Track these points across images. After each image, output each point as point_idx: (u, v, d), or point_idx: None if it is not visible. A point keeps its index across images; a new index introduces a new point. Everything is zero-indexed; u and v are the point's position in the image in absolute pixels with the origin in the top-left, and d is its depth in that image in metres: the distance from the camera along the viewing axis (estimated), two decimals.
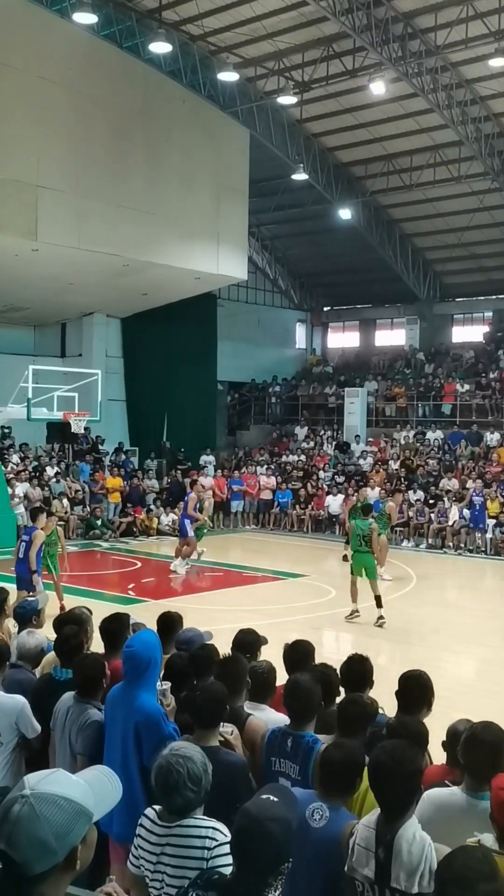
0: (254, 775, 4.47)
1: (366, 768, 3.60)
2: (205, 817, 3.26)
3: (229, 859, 3.12)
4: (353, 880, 3.35)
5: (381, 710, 4.72)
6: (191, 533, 18.32)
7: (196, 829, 3.22)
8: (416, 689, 4.71)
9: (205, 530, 19.43)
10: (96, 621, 6.00)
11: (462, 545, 22.34)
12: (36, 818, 1.99)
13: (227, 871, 3.03)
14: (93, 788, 2.14)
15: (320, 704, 4.57)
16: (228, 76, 22.84)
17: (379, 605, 13.79)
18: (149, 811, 3.42)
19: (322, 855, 3.57)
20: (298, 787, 4.20)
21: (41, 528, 13.16)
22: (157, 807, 3.38)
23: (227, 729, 4.48)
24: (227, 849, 3.15)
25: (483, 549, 22.17)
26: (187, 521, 18.35)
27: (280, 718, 4.79)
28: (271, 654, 5.67)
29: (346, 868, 3.37)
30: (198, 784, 3.24)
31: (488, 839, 3.29)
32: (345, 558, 19.63)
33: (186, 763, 3.24)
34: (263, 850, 2.63)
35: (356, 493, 21.06)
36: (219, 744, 4.30)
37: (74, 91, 21.17)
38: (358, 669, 5.12)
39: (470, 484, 23.15)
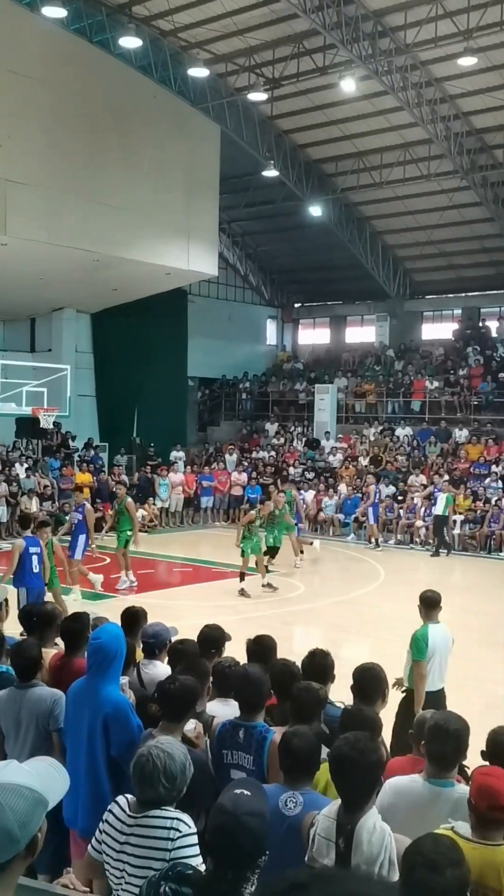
0: None
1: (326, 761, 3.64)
2: (169, 808, 3.27)
3: (193, 850, 3.14)
4: None
5: (342, 704, 4.76)
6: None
7: (160, 819, 3.24)
8: (369, 681, 4.77)
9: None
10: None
11: (431, 541, 22.44)
12: (1, 808, 2.01)
13: (193, 862, 3.06)
14: (42, 778, 2.17)
15: (270, 694, 4.59)
16: (199, 72, 22.74)
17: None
18: (120, 799, 3.42)
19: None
20: (253, 777, 4.23)
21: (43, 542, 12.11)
22: (129, 796, 3.39)
23: (191, 726, 4.49)
24: (190, 840, 3.17)
25: (451, 544, 22.29)
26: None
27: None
28: (238, 649, 5.70)
29: (306, 858, 3.41)
30: (171, 781, 3.25)
31: (462, 827, 3.33)
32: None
33: (166, 758, 3.25)
34: (242, 844, 2.66)
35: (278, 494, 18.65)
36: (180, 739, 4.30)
37: (45, 85, 20.96)
38: (320, 663, 5.16)
39: (437, 479, 23.19)
